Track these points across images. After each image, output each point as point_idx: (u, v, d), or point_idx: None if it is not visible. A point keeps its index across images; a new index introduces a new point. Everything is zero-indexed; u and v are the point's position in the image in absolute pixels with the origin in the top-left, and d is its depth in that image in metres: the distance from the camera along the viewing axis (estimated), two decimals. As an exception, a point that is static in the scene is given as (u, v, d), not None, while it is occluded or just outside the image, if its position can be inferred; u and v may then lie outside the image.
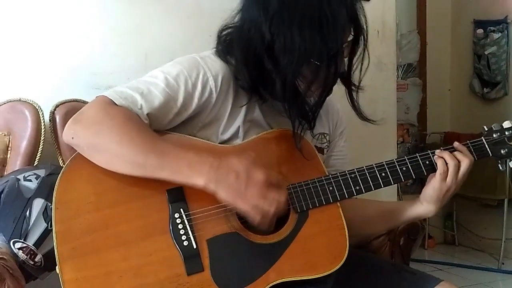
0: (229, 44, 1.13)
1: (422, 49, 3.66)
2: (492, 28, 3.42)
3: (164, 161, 0.98)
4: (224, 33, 1.14)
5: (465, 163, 1.12)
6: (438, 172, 1.11)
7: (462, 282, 2.90)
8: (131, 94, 1.04)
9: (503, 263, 3.20)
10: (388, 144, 2.60)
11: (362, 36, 1.11)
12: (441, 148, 1.15)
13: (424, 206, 1.17)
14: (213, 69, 1.10)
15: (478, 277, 3.02)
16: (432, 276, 1.17)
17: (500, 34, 3.39)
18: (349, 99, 1.17)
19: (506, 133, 1.18)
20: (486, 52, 3.44)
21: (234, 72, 1.11)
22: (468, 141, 1.17)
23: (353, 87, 1.16)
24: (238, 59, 1.10)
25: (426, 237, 3.56)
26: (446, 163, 1.12)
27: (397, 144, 3.08)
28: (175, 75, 1.07)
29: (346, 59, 1.12)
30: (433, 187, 1.13)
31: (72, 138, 1.01)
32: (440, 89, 3.76)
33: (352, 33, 1.10)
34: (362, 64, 1.12)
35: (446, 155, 1.12)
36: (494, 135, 1.18)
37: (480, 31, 3.49)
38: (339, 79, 1.13)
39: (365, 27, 1.10)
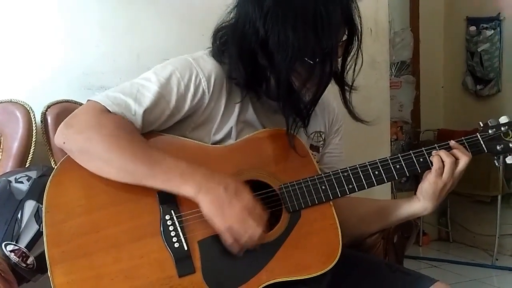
0: (224, 42, 1.12)
1: (415, 46, 3.67)
2: (484, 25, 3.43)
3: (155, 171, 0.98)
4: (220, 32, 1.14)
5: (463, 160, 1.12)
6: (433, 168, 1.11)
7: (456, 279, 2.92)
8: (124, 99, 1.04)
9: (497, 259, 3.22)
10: (381, 142, 2.60)
11: (356, 37, 1.10)
12: (436, 145, 1.14)
13: (420, 202, 1.16)
14: (206, 70, 1.09)
15: (473, 273, 3.04)
16: (427, 276, 1.17)
17: (492, 31, 3.40)
18: (342, 99, 1.17)
19: (502, 128, 1.16)
20: (479, 49, 3.45)
21: (227, 72, 1.11)
22: (463, 138, 1.16)
23: (346, 88, 1.16)
24: (232, 55, 1.09)
25: (420, 234, 3.57)
26: (442, 160, 1.11)
27: (391, 141, 3.09)
28: (168, 77, 1.07)
29: (339, 59, 1.12)
30: (429, 182, 1.12)
31: (64, 142, 1.02)
32: (434, 86, 3.77)
33: (346, 33, 1.10)
34: (355, 64, 1.12)
35: (442, 152, 1.12)
36: (490, 131, 1.17)
37: (473, 28, 3.50)
38: (333, 78, 1.13)
39: (359, 27, 1.10)
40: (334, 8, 1.03)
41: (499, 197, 3.24)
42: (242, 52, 1.07)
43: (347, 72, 1.14)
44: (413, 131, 3.74)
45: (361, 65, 1.12)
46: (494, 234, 3.26)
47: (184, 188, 0.98)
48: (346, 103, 1.17)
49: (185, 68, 1.09)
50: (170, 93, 1.06)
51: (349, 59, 1.13)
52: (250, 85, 1.11)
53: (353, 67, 1.13)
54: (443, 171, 1.11)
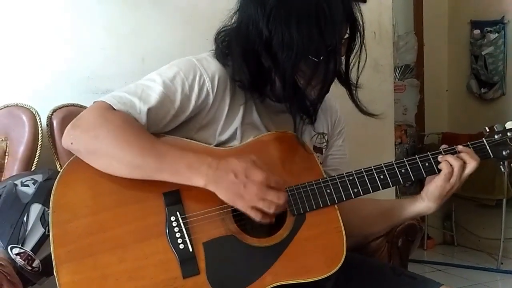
0: (227, 45, 1.13)
1: (419, 50, 3.67)
2: (489, 28, 3.43)
3: (163, 163, 0.98)
4: (222, 35, 1.15)
5: (472, 164, 1.12)
6: (443, 172, 1.11)
7: (461, 283, 2.91)
8: (130, 98, 1.05)
9: (502, 263, 3.20)
10: (386, 145, 2.60)
11: (358, 33, 1.11)
12: (442, 150, 1.14)
13: (425, 202, 1.16)
14: (209, 70, 1.10)
15: (477, 277, 3.02)
16: (432, 280, 1.17)
17: (497, 34, 3.39)
18: (349, 96, 1.17)
19: (509, 134, 1.16)
20: (483, 53, 3.45)
21: (231, 74, 1.12)
22: (468, 142, 1.16)
23: (351, 85, 1.16)
24: (236, 57, 1.09)
25: (425, 237, 3.57)
26: (451, 165, 1.11)
27: (395, 145, 3.08)
28: (172, 78, 1.08)
29: (343, 57, 1.12)
30: (436, 186, 1.12)
31: (71, 143, 1.02)
32: (438, 89, 3.77)
33: (349, 31, 1.10)
34: (359, 61, 1.12)
35: (449, 157, 1.12)
36: (496, 136, 1.16)
37: (477, 31, 3.50)
38: (336, 78, 1.13)
39: (361, 23, 1.10)
40: (336, 5, 1.04)
41: (504, 201, 3.22)
42: (246, 54, 1.08)
43: (351, 70, 1.14)
44: (417, 134, 3.73)
45: (365, 61, 1.12)
46: (499, 238, 3.25)
47: (193, 180, 0.98)
48: (354, 98, 1.17)
49: (189, 69, 1.09)
50: (174, 93, 1.07)
51: (352, 56, 1.13)
52: (254, 87, 1.12)
53: (357, 64, 1.13)
54: (452, 175, 1.11)
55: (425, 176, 1.13)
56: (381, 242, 1.51)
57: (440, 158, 1.13)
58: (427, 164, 1.13)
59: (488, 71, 3.45)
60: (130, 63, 1.95)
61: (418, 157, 1.13)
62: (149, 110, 1.04)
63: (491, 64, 3.43)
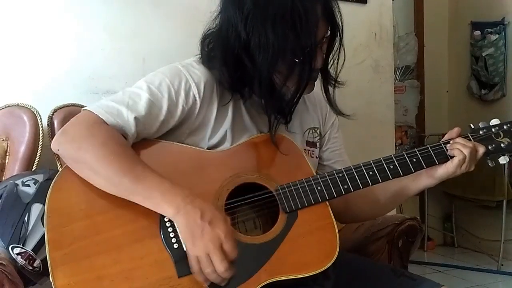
0: (212, 48, 1.15)
1: (419, 51, 3.67)
2: (489, 29, 3.43)
3: (137, 187, 0.99)
4: (207, 39, 1.17)
5: (481, 151, 1.15)
6: (457, 158, 1.13)
7: (461, 284, 2.91)
8: (117, 108, 1.06)
9: (502, 265, 3.21)
10: (386, 146, 2.60)
11: (338, 33, 1.13)
12: (428, 146, 1.17)
13: (430, 180, 1.19)
14: (195, 76, 1.12)
15: (478, 279, 3.02)
16: (432, 281, 1.18)
17: (497, 35, 3.39)
18: (323, 91, 1.20)
19: (493, 130, 1.19)
20: (483, 54, 3.45)
21: (217, 77, 1.14)
22: (452, 137, 1.18)
23: (331, 81, 1.18)
24: (219, 60, 1.12)
25: (425, 239, 3.57)
26: (463, 152, 1.13)
27: (396, 146, 3.08)
28: (158, 84, 1.10)
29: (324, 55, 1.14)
30: (447, 171, 1.15)
31: (58, 150, 1.04)
32: (438, 91, 3.77)
33: (329, 30, 1.12)
34: (338, 59, 1.15)
35: (459, 145, 1.14)
36: (481, 132, 1.19)
37: (477, 32, 3.50)
38: (320, 74, 1.16)
39: (340, 23, 1.12)
40: (313, 6, 1.06)
41: (504, 202, 3.22)
42: (227, 56, 1.10)
43: (330, 67, 1.17)
44: (418, 135, 3.73)
45: (344, 60, 1.15)
46: (499, 239, 3.25)
47: (163, 207, 0.98)
48: (328, 96, 1.20)
49: (174, 75, 1.11)
50: (161, 99, 1.08)
51: (331, 55, 1.15)
52: (236, 88, 1.13)
53: (336, 62, 1.16)
54: (465, 161, 1.13)
55: (413, 171, 1.15)
56: (381, 243, 1.52)
57: (449, 147, 1.15)
58: (414, 159, 1.15)
59: (488, 72, 3.45)
60: (131, 63, 1.96)
61: (406, 153, 1.16)
62: (136, 118, 1.05)
63: (492, 65, 3.43)
